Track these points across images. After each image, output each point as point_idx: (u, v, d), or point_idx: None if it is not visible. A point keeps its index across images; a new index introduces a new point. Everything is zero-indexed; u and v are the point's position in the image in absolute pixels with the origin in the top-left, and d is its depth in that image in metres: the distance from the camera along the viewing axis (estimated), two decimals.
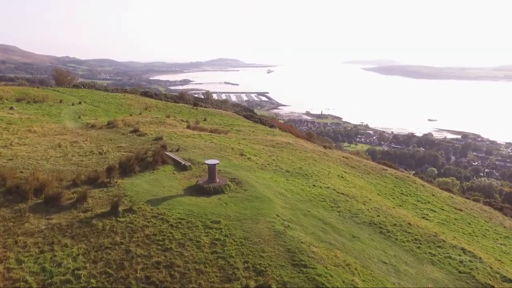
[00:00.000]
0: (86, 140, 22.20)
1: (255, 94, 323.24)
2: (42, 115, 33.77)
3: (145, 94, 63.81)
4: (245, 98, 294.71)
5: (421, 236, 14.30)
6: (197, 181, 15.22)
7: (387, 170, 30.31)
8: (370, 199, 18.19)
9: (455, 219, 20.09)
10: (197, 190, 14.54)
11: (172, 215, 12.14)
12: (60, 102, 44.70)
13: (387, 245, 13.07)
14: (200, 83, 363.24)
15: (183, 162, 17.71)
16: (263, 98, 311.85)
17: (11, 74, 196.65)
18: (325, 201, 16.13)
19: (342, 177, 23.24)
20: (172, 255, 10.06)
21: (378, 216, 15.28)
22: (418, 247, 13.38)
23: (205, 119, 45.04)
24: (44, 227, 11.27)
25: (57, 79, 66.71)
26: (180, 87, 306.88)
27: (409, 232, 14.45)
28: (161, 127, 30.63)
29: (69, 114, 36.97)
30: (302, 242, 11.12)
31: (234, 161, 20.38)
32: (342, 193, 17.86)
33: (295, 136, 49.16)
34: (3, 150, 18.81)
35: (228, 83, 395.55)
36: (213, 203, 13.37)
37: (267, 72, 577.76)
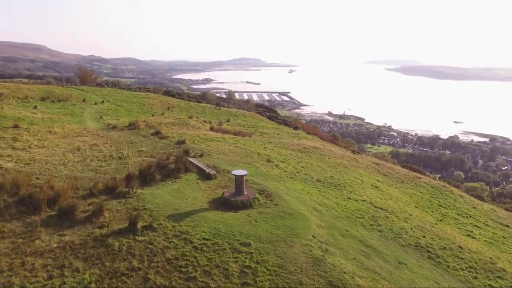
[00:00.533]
0: (106, 143, 21.15)
1: (277, 94, 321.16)
2: (65, 115, 33.11)
3: (168, 93, 63.08)
4: (266, 97, 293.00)
5: (476, 263, 12.54)
6: (223, 193, 13.83)
7: (421, 178, 28.32)
8: (411, 215, 16.45)
9: (503, 237, 18.10)
10: (223, 204, 13.16)
11: (196, 234, 10.77)
12: (83, 101, 44.23)
13: (438, 274, 11.39)
14: (221, 82, 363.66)
15: (207, 170, 16.36)
16: (285, 98, 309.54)
17: (39, 72, 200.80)
18: (363, 217, 14.50)
19: (376, 187, 21.50)
20: (196, 286, 8.68)
21: (424, 236, 13.56)
22: (475, 277, 11.65)
23: (228, 120, 43.81)
24: (55, 245, 10.09)
25: (81, 78, 66.72)
26: (202, 86, 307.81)
27: (461, 258, 12.70)
28: (183, 129, 29.47)
29: (91, 113, 36.27)
30: (344, 272, 9.58)
31: (262, 169, 18.92)
32: (381, 208, 16.19)
33: (321, 139, 47.44)
34: (22, 153, 17.89)
35: (250, 82, 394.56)
36: (241, 220, 11.94)
37: (289, 72, 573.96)
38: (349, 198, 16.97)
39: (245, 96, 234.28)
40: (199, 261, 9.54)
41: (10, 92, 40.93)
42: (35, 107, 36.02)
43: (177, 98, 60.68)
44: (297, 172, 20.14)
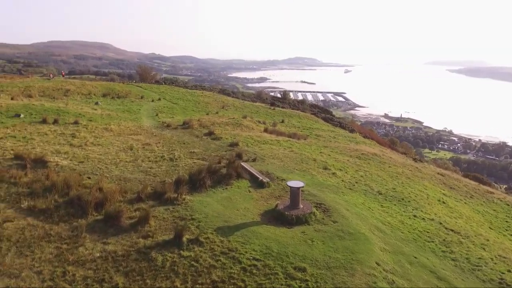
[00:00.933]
0: (159, 143, 20.79)
1: (332, 94, 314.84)
2: (123, 112, 33.66)
3: (223, 92, 63.11)
4: (321, 97, 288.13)
5: None
6: (277, 205, 12.66)
7: (493, 193, 25.42)
8: (488, 240, 14.29)
9: None
10: (276, 218, 11.99)
11: (246, 252, 9.71)
12: (141, 98, 45.10)
13: None
14: (276, 81, 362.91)
15: (260, 178, 15.28)
16: (340, 98, 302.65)
17: (105, 69, 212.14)
18: (433, 241, 12.69)
19: (444, 202, 19.30)
20: None
21: (509, 271, 11.52)
22: None
23: (282, 121, 42.63)
24: (98, 255, 9.48)
25: (141, 75, 68.69)
26: (257, 85, 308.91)
27: None
28: (237, 129, 28.71)
29: (147, 111, 36.68)
30: None
31: (318, 177, 17.54)
32: (452, 230, 14.22)
33: (378, 144, 44.93)
34: (77, 150, 17.91)
35: (305, 82, 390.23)
36: (296, 238, 10.71)
37: (345, 72, 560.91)
38: (415, 216, 15.13)
39: (300, 96, 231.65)
40: (248, 286, 8.45)
41: (76, 89, 42.61)
42: (96, 103, 37.08)
43: (232, 97, 60.51)
44: (356, 182, 18.50)
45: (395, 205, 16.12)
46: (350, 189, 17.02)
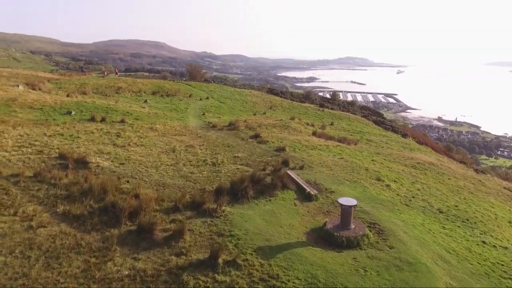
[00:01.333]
0: (202, 145, 20.00)
1: (382, 95, 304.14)
2: (170, 110, 33.50)
3: (271, 91, 62.01)
4: (371, 98, 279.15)
5: None
6: (325, 224, 11.26)
7: None
8: None
9: None
10: (324, 238, 10.61)
11: (289, 281, 8.45)
12: (190, 96, 45.06)
13: None
14: (326, 81, 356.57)
15: (308, 189, 13.93)
16: (391, 100, 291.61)
17: (158, 67, 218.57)
18: (510, 278, 10.72)
19: None
20: None
21: None
22: None
23: (331, 124, 40.81)
24: (126, 273, 8.63)
25: (191, 73, 69.21)
26: (306, 84, 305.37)
27: None
28: (284, 132, 27.46)
29: (195, 109, 36.35)
30: None
31: (370, 190, 15.89)
32: None
33: (433, 150, 41.84)
34: (120, 151, 17.51)
35: (355, 82, 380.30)
36: (346, 266, 9.30)
37: (397, 73, 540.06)
38: (483, 242, 13.08)
39: (349, 96, 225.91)
40: None
41: (127, 86, 43.32)
42: (145, 101, 37.32)
43: (280, 97, 59.29)
44: (413, 197, 16.61)
45: (459, 227, 14.12)
46: (406, 205, 15.21)
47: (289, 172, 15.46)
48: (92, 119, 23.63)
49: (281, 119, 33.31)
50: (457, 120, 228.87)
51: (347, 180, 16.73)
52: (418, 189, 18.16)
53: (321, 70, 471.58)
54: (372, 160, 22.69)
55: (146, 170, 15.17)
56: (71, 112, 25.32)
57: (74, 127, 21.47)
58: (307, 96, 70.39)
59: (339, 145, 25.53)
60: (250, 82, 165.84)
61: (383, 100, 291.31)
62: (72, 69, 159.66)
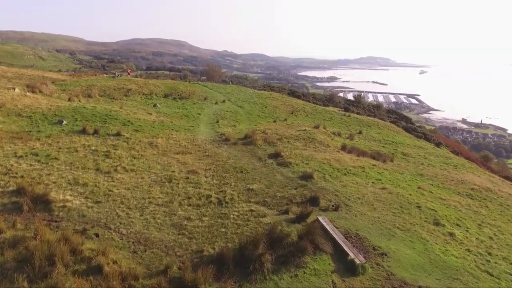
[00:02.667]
0: (209, 170, 15.68)
1: (404, 96, 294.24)
2: (180, 117, 29.45)
3: (293, 94, 57.29)
4: (393, 99, 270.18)
5: None
6: None
7: None
8: None
9: None
10: None
11: None
12: (205, 99, 41.02)
13: None
14: (346, 81, 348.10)
15: (350, 254, 9.44)
16: (413, 101, 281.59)
17: (179, 66, 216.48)
18: None
19: None
20: None
21: None
22: None
23: (360, 132, 36.04)
24: None
25: (208, 73, 65.25)
26: (326, 84, 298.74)
27: None
28: (309, 147, 22.97)
29: (208, 116, 32.23)
30: None
31: (432, 245, 11.24)
32: None
33: (470, 161, 36.61)
34: (102, 179, 13.43)
35: (376, 82, 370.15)
36: None
37: (420, 73, 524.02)
38: None
39: (370, 97, 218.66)
40: None
41: (138, 88, 39.57)
42: (154, 105, 33.43)
43: (302, 99, 54.61)
44: (489, 254, 11.92)
45: None
46: (488, 273, 10.55)
47: (321, 220, 11.01)
48: (83, 131, 19.71)
49: (305, 129, 28.79)
50: (482, 122, 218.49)
51: (398, 227, 12.17)
52: (490, 237, 13.44)
53: (342, 70, 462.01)
54: (419, 188, 17.99)
55: (127, 214, 11.01)
56: (62, 122, 21.50)
57: (57, 142, 17.57)
58: (331, 99, 65.41)
59: (375, 166, 20.90)
60: (270, 82, 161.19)
61: (405, 101, 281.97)
62: (95, 67, 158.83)
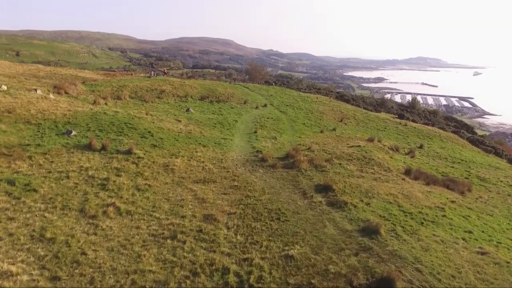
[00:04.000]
0: (234, 214, 11.20)
1: (456, 99, 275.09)
2: (213, 125, 25.34)
3: (341, 97, 51.66)
4: (443, 102, 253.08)
5: None
6: None
7: None
8: None
9: None
10: None
11: None
12: (244, 103, 36.80)
13: None
14: (394, 82, 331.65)
15: None
16: (465, 104, 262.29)
17: (225, 64, 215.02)
18: None
19: None
20: None
21: None
22: None
23: (421, 146, 30.29)
24: None
25: (250, 73, 60.99)
26: (373, 85, 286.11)
27: None
28: (367, 172, 17.92)
29: (246, 124, 27.92)
30: None
31: None
32: None
33: None
34: (82, 230, 9.41)
35: (426, 84, 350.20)
36: None
37: (474, 75, 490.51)
38: None
39: (419, 99, 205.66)
40: None
41: (172, 90, 36.09)
42: (187, 110, 29.64)
43: (352, 104, 48.93)
44: None
45: None
46: None
47: None
48: (89, 147, 15.96)
49: (359, 145, 23.67)
50: None
51: None
52: None
53: (389, 71, 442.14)
54: None
55: None
56: (71, 132, 17.96)
57: (51, 162, 13.87)
58: (382, 104, 59.00)
59: (454, 202, 15.61)
60: (315, 82, 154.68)
61: (456, 104, 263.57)
62: (143, 65, 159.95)
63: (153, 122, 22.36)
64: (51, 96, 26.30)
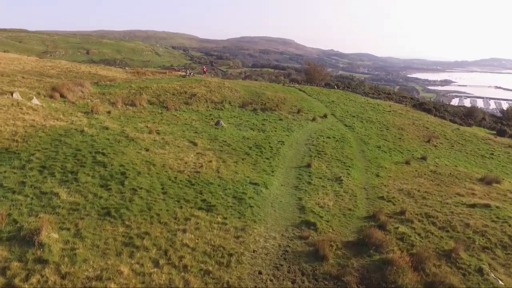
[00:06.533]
0: None
1: None
2: (246, 152, 16.35)
3: (420, 106, 39.87)
4: None
5: None
6: None
7: None
8: None
9: None
10: None
11: None
12: (298, 112, 27.36)
13: None
14: (463, 85, 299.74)
15: None
16: None
17: (285, 64, 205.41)
18: None
19: None
20: None
21: None
22: None
23: None
24: None
25: (308, 74, 50.95)
26: (439, 88, 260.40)
27: None
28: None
29: (296, 148, 18.60)
30: None
31: None
32: None
33: None
34: None
35: (500, 87, 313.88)
36: None
37: None
38: None
39: (492, 104, 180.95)
40: None
41: (206, 93, 27.59)
42: (216, 124, 20.88)
43: (434, 115, 37.30)
44: None
45: None
46: None
47: None
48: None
49: (487, 204, 13.24)
50: None
51: None
52: None
53: (457, 73, 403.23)
54: None
55: None
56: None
57: None
58: (470, 114, 46.09)
59: None
60: (377, 83, 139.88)
61: None
62: (203, 63, 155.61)
63: (147, 150, 13.83)
64: (34, 102, 18.84)
